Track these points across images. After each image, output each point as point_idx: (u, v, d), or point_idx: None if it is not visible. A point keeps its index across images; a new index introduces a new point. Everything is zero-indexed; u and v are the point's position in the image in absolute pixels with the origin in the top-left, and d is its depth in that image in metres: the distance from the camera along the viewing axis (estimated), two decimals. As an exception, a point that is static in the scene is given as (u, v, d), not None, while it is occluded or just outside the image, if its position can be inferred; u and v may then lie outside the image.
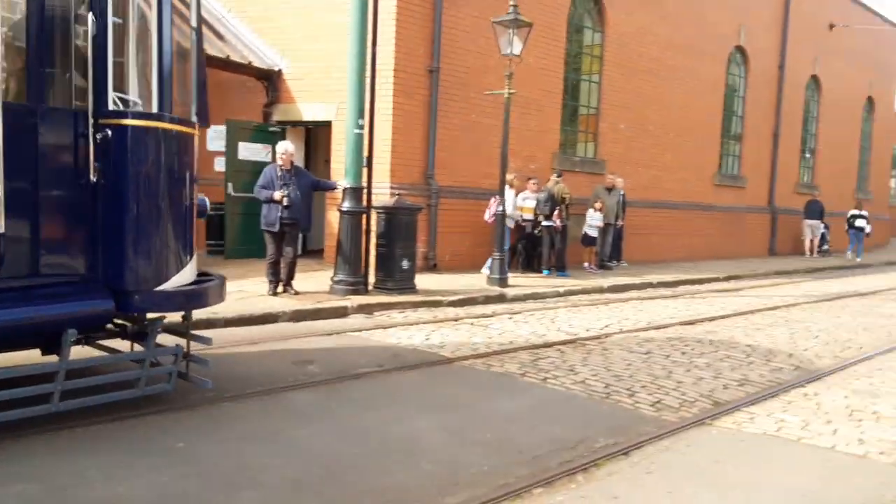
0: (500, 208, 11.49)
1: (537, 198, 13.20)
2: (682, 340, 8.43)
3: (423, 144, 12.35)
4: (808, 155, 23.66)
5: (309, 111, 13.07)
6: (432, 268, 12.45)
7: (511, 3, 10.93)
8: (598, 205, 14.34)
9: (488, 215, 12.32)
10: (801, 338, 9.01)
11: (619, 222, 15.36)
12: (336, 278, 9.72)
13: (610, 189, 15.07)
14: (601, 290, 12.21)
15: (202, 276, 5.39)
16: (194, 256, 5.22)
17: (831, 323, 10.30)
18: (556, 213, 13.07)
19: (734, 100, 20.36)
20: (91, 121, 4.45)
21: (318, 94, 12.80)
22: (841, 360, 7.80)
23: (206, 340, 5.55)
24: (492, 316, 9.39)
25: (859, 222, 22.57)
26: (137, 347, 5.32)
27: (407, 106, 12.01)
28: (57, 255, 4.50)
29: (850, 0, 24.62)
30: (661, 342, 8.25)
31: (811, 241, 22.35)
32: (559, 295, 11.46)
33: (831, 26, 23.21)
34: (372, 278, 10.05)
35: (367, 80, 9.81)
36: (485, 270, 12.09)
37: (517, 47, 11.14)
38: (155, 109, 4.74)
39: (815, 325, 10.00)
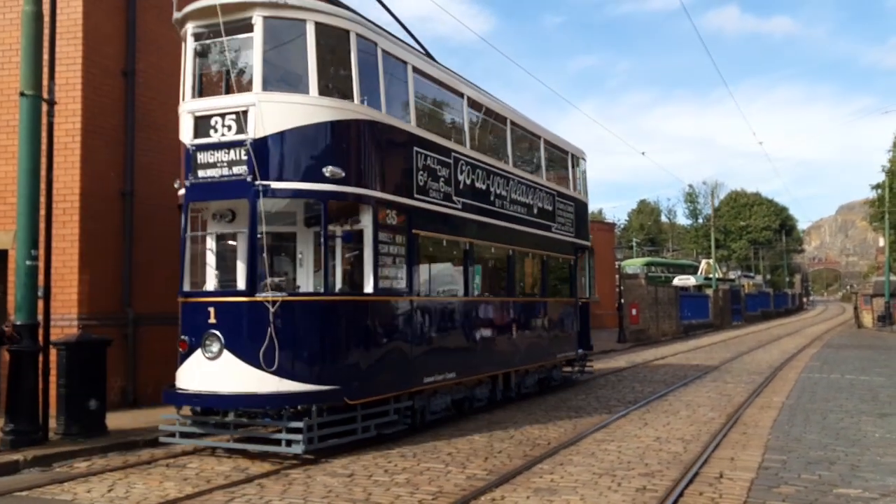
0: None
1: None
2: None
3: (116, 270, 11.53)
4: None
5: (-19, 239, 11.95)
6: (132, 403, 11.43)
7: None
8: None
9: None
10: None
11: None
12: (6, 429, 8.53)
13: None
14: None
15: None
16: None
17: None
18: None
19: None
20: (576, 299, 16.03)
21: (-8, 221, 11.64)
22: (530, 457, 8.40)
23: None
24: (192, 453, 8.78)
25: None
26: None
27: (96, 231, 11.20)
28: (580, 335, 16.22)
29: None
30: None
31: None
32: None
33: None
34: (54, 423, 9.00)
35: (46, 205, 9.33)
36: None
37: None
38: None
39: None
